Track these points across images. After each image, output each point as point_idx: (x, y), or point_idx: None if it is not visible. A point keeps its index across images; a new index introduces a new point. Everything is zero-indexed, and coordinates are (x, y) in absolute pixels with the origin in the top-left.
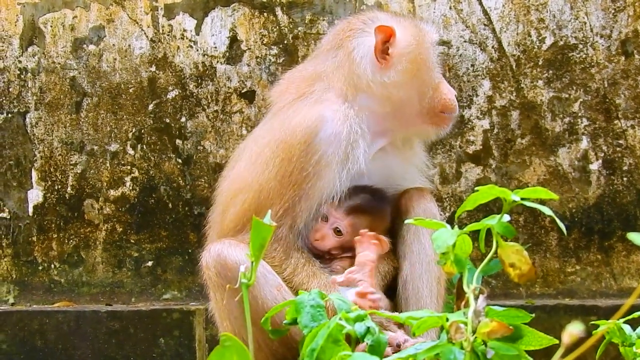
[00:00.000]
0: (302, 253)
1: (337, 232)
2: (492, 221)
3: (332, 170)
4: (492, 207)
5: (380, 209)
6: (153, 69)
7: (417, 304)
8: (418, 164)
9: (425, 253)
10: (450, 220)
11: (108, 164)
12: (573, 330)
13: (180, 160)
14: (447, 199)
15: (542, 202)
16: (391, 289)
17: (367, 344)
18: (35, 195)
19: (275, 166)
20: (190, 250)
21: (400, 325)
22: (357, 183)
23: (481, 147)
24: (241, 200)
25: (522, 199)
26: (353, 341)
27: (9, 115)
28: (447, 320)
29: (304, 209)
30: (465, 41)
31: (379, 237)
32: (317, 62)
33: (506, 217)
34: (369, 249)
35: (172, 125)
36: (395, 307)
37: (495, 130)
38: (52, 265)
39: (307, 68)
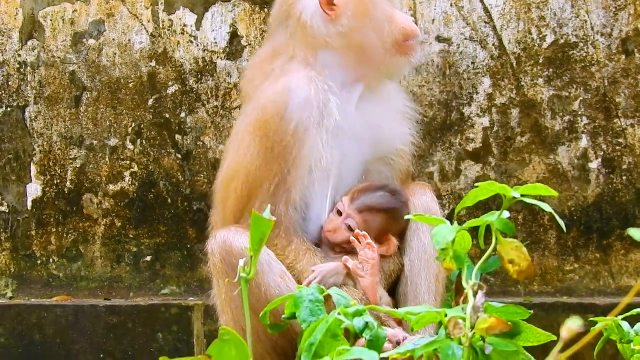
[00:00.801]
0: (303, 240)
1: (349, 228)
2: (491, 217)
3: (312, 133)
4: (491, 206)
5: (396, 209)
6: (153, 64)
7: (416, 300)
8: (401, 107)
9: (424, 250)
10: (449, 218)
11: (107, 159)
12: (572, 325)
13: (179, 156)
14: (446, 197)
15: (542, 200)
16: (394, 287)
17: (365, 339)
18: (34, 190)
19: (256, 146)
20: (189, 246)
21: (400, 322)
22: (347, 141)
23: (481, 145)
24: (234, 189)
25: (522, 195)
26: (352, 336)
27: (8, 109)
28: (446, 315)
29: (296, 180)
30: (466, 39)
31: (388, 237)
32: (272, 40)
33: (506, 214)
34: (368, 249)
35: (172, 120)
36: (395, 303)
37: (495, 128)
38: (51, 260)
39: (265, 50)
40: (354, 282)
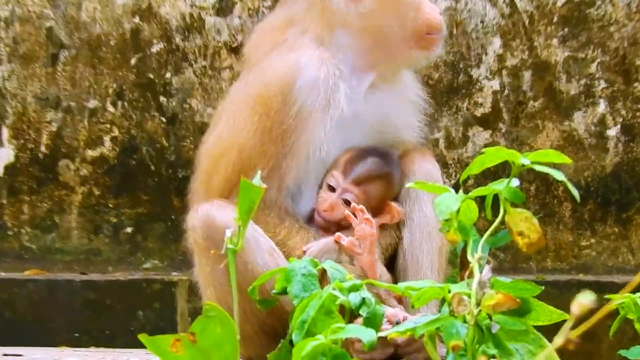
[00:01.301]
0: (296, 219)
1: (347, 203)
2: (499, 186)
3: (315, 119)
4: (501, 176)
5: (390, 173)
6: (136, 20)
7: (417, 275)
8: (413, 98)
9: (426, 221)
10: (456, 188)
11: (86, 122)
12: (583, 300)
13: (164, 119)
14: (452, 165)
15: (555, 168)
16: (391, 261)
17: (362, 316)
18: (6, 155)
19: (254, 123)
20: (173, 217)
21: (400, 301)
22: (350, 131)
23: (490, 109)
24: (224, 165)
25: (532, 162)
26: (347, 313)
27: None
28: (449, 291)
29: (291, 167)
30: None
31: (390, 205)
32: (287, 7)
33: (515, 182)
34: (365, 224)
35: (156, 81)
36: (395, 279)
37: (506, 92)
38: (23, 231)
39: (278, 16)
40: (351, 259)
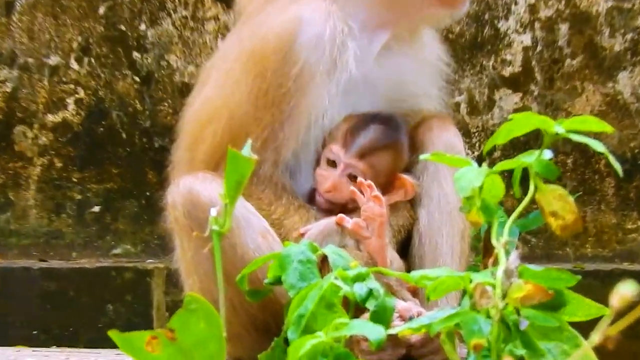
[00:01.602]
0: (294, 196)
1: (353, 178)
2: (529, 158)
3: (318, 83)
4: (532, 146)
5: (398, 140)
6: None
7: (434, 263)
8: (433, 61)
9: (446, 200)
10: (479, 160)
11: (46, 82)
12: (625, 290)
13: (138, 79)
14: (476, 134)
15: (595, 138)
16: (404, 246)
17: (369, 309)
18: None
19: (248, 85)
20: (148, 193)
21: (415, 293)
22: (358, 98)
23: (520, 68)
24: (211, 133)
25: (567, 131)
26: (352, 306)
27: None
28: (471, 281)
29: (289, 137)
30: None
31: (402, 179)
32: None
33: (547, 153)
34: (374, 202)
35: (129, 34)
36: (408, 267)
37: (539, 48)
38: None
39: None
40: (356, 243)
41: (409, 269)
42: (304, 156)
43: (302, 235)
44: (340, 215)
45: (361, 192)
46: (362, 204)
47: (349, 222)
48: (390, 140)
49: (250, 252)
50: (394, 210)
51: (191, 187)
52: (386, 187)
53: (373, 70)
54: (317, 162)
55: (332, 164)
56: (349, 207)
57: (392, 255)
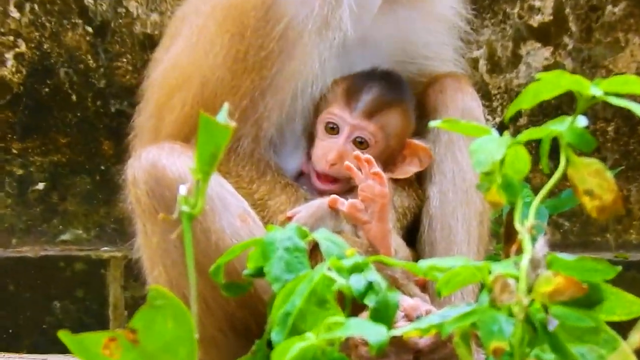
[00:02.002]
0: (280, 173)
1: (360, 144)
2: (560, 126)
3: (307, 44)
4: (566, 111)
5: (404, 97)
6: None
7: (448, 251)
8: (446, 14)
9: (462, 176)
10: (501, 128)
11: None
12: None
13: (90, 29)
14: (497, 96)
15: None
16: (412, 232)
17: (369, 306)
18: None
19: (223, 46)
20: (103, 167)
21: (424, 287)
22: (355, 61)
23: (551, 17)
24: (180, 101)
25: (606, 93)
26: (348, 303)
27: None
28: (490, 272)
29: (272, 108)
30: None
31: (413, 145)
32: None
33: (582, 120)
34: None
35: None
36: (417, 257)
37: None
38: None
39: None
40: (354, 228)
41: (417, 259)
42: (290, 130)
43: (290, 219)
44: (333, 196)
45: (359, 168)
46: (360, 182)
47: (343, 204)
48: (397, 97)
49: (227, 239)
50: (398, 188)
51: (156, 160)
52: (396, 156)
53: (373, 29)
54: (308, 138)
55: (333, 130)
56: (352, 187)
57: (397, 243)
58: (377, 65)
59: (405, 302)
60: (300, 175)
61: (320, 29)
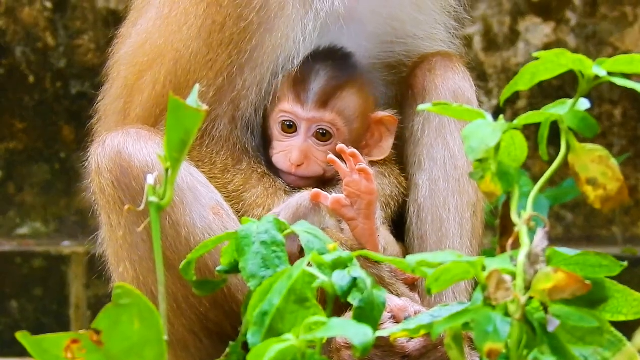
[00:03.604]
0: (259, 162)
1: (323, 135)
2: (560, 109)
3: (289, 15)
4: (569, 93)
5: (357, 73)
6: None
7: (439, 245)
8: None
9: (454, 163)
10: (496, 111)
11: None
12: None
13: (49, 4)
14: (493, 77)
15: None
16: (399, 225)
17: (353, 305)
18: None
19: (199, 17)
20: (63, 155)
21: (414, 286)
22: (340, 36)
23: None
24: (150, 80)
25: (609, 73)
26: (330, 300)
27: None
28: (484, 268)
29: (251, 86)
30: None
31: (377, 118)
32: None
33: (584, 103)
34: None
35: None
36: (406, 253)
37: None
38: None
39: None
40: (339, 224)
41: (406, 254)
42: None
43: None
44: (315, 190)
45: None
46: (344, 177)
47: (327, 198)
48: (348, 76)
49: (198, 233)
50: (379, 176)
51: (121, 147)
52: (364, 135)
53: (360, 4)
54: (263, 138)
55: (290, 128)
56: (328, 177)
57: (387, 240)
58: (318, 48)
59: (393, 302)
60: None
61: (305, 1)
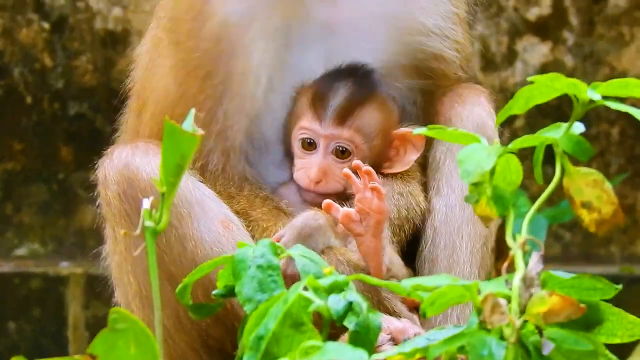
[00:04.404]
0: (259, 187)
1: (342, 153)
2: (554, 133)
3: (253, 37)
4: (566, 111)
5: (377, 90)
6: None
7: (449, 271)
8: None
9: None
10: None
11: None
12: None
13: (46, 25)
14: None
15: None
16: (414, 245)
17: (349, 329)
18: None
19: (165, 57)
20: (61, 176)
21: (415, 309)
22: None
23: (550, 10)
24: (149, 115)
25: (604, 97)
26: (326, 324)
27: None
28: (479, 292)
29: (233, 115)
30: None
31: (401, 135)
32: None
33: (579, 127)
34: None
35: None
36: (414, 274)
37: None
38: None
39: None
40: (344, 242)
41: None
42: (261, 136)
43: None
44: (327, 201)
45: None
46: (357, 193)
47: (338, 210)
48: (368, 92)
49: (206, 247)
50: (395, 194)
51: (129, 160)
52: (386, 152)
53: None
54: (287, 155)
55: (311, 146)
56: (348, 193)
57: (392, 260)
58: (339, 66)
59: (392, 324)
60: (285, 184)
61: (267, 22)
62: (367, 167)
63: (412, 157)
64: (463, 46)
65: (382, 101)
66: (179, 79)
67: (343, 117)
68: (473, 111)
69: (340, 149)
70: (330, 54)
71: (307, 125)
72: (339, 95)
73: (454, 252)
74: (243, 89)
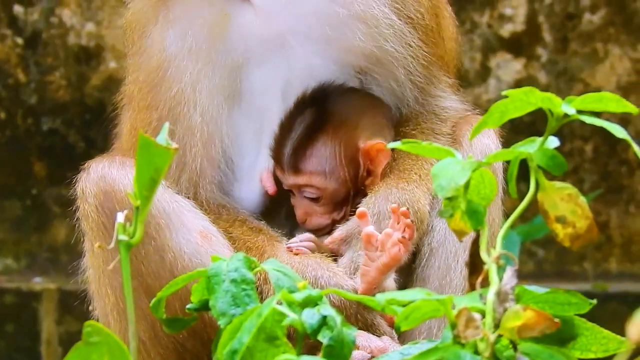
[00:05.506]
0: (236, 210)
1: (310, 198)
2: (529, 147)
3: (184, 61)
4: (539, 127)
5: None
6: None
7: (441, 291)
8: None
9: None
10: None
11: None
12: None
13: (20, 40)
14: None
15: (619, 119)
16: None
17: (323, 344)
18: None
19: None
20: (35, 191)
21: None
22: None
23: (524, 26)
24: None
25: (578, 111)
26: (300, 339)
27: None
28: (454, 306)
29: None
30: None
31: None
32: None
33: (553, 141)
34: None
35: None
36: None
37: (548, 0)
38: None
39: None
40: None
41: None
42: (230, 162)
43: (291, 250)
44: (362, 210)
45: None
46: (390, 228)
47: (367, 225)
48: (316, 128)
49: (185, 258)
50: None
51: (105, 172)
52: (359, 172)
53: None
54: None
55: (289, 190)
56: (342, 222)
57: (389, 284)
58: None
59: (373, 343)
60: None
61: (203, 46)
62: (403, 209)
63: (384, 163)
64: (411, 64)
65: (334, 129)
66: (130, 113)
67: (295, 164)
68: (480, 142)
69: (307, 194)
70: (277, 71)
71: (279, 175)
72: (290, 143)
73: (447, 274)
74: (190, 123)
